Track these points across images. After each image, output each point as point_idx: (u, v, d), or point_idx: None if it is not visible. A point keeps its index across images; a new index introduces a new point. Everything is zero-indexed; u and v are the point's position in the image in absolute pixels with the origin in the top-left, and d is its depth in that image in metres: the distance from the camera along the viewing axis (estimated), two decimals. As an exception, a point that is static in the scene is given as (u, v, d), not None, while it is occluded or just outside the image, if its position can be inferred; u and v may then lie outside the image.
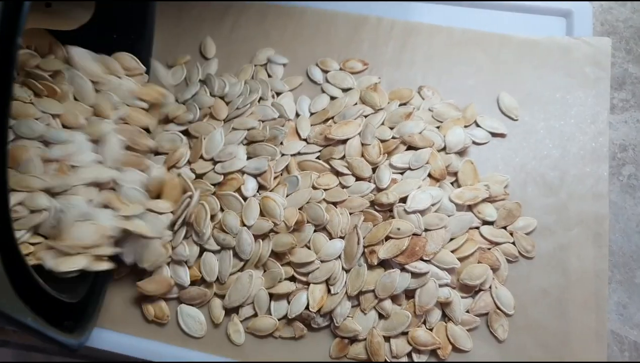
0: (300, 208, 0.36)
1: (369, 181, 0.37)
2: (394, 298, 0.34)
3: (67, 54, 0.36)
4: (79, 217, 0.32)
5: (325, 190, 0.36)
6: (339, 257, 0.35)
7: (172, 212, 0.36)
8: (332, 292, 0.34)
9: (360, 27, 0.44)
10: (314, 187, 0.37)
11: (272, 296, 0.35)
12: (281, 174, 0.38)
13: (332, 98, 0.41)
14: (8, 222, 0.26)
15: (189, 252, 0.35)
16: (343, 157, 0.38)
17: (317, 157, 0.38)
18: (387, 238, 0.34)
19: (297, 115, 0.41)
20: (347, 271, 0.35)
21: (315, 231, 0.36)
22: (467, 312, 0.34)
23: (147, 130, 0.39)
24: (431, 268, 0.34)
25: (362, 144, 0.38)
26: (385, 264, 0.35)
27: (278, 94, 0.42)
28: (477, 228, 0.36)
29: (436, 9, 0.44)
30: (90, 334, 0.34)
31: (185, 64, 0.43)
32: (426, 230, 0.35)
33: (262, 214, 0.36)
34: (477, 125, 0.39)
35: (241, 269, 0.36)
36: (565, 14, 0.43)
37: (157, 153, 0.39)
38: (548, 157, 0.38)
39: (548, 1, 0.43)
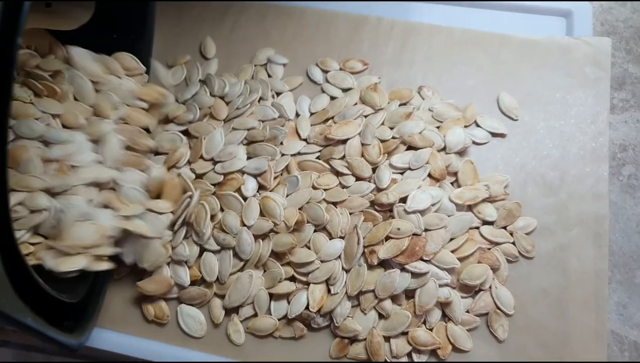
0: (300, 208, 0.36)
1: (369, 181, 0.37)
2: (394, 298, 0.34)
3: (67, 54, 0.36)
4: (79, 217, 0.32)
5: (325, 190, 0.36)
6: (339, 257, 0.35)
7: (172, 212, 0.36)
8: (332, 292, 0.34)
9: (360, 27, 0.44)
10: (314, 187, 0.37)
11: (272, 296, 0.35)
12: (281, 174, 0.38)
13: (332, 98, 0.41)
14: (8, 222, 0.26)
15: (189, 252, 0.35)
16: (343, 157, 0.38)
17: (317, 157, 0.38)
18: (387, 238, 0.34)
19: (297, 115, 0.41)
20: (347, 271, 0.35)
21: (315, 231, 0.36)
22: (467, 312, 0.34)
23: (147, 130, 0.39)
24: (431, 268, 0.34)
25: (362, 144, 0.38)
26: (385, 264, 0.35)
27: (278, 94, 0.42)
28: (477, 228, 0.36)
29: (436, 9, 0.44)
30: (90, 334, 0.34)
31: (185, 64, 0.43)
32: (426, 230, 0.35)
33: (262, 214, 0.36)
34: (477, 125, 0.39)
35: (241, 269, 0.36)
36: (565, 14, 0.43)
37: (157, 153, 0.39)
38: (548, 157, 0.38)
39: (548, 1, 0.43)
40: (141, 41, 0.40)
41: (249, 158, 0.38)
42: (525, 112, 0.40)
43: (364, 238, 0.35)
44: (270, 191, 0.37)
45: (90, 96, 0.36)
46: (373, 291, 0.34)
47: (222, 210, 0.36)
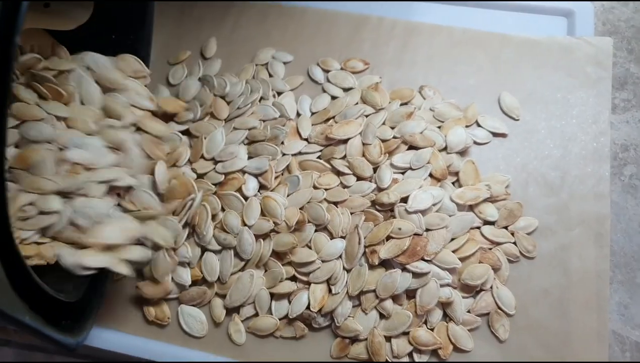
0: (301, 208, 0.36)
1: (370, 181, 0.37)
2: (395, 298, 0.34)
3: (85, 62, 0.36)
4: (101, 218, 0.32)
5: (326, 189, 0.36)
6: (340, 256, 0.35)
7: (174, 213, 0.36)
8: (333, 291, 0.34)
9: (362, 27, 0.44)
10: (315, 187, 0.37)
11: (273, 296, 0.35)
12: (282, 174, 0.38)
13: (333, 98, 0.41)
14: (7, 222, 0.26)
15: (191, 253, 0.35)
16: (344, 157, 0.38)
17: (318, 157, 0.38)
18: (388, 238, 0.34)
19: (298, 114, 0.41)
20: (348, 271, 0.35)
21: (316, 231, 0.36)
22: (468, 312, 0.34)
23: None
24: (432, 268, 0.34)
25: (363, 144, 0.38)
26: (386, 264, 0.35)
27: (279, 93, 0.42)
28: (478, 228, 0.36)
29: (437, 8, 0.44)
30: (89, 334, 0.33)
31: (185, 60, 0.43)
32: (427, 230, 0.35)
33: (263, 214, 0.36)
34: (478, 125, 0.39)
35: (242, 269, 0.36)
36: (567, 14, 0.43)
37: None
38: (549, 157, 0.38)
39: (549, 1, 0.43)
40: (140, 41, 0.40)
41: (249, 158, 0.38)
42: (526, 112, 0.40)
43: (365, 238, 0.35)
44: (271, 191, 0.37)
45: (99, 99, 0.36)
46: (374, 291, 0.34)
47: (223, 210, 0.36)
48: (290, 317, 0.34)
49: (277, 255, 0.35)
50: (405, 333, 0.34)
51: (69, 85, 0.35)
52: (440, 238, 0.35)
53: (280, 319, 0.35)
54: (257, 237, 0.35)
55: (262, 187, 0.37)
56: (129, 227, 0.33)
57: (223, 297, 0.36)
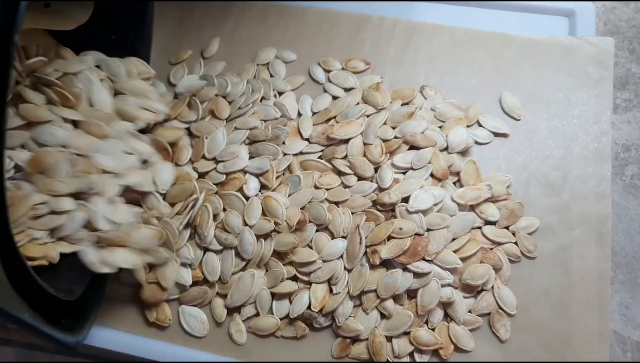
0: (302, 208, 0.36)
1: (371, 181, 0.37)
2: (396, 298, 0.34)
3: (92, 63, 0.37)
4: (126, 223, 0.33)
5: (327, 189, 0.36)
6: (341, 256, 0.35)
7: (177, 214, 0.36)
8: (334, 291, 0.34)
9: (363, 27, 0.44)
10: (316, 187, 0.37)
11: (274, 295, 0.35)
12: (283, 174, 0.38)
13: (334, 97, 0.41)
14: (7, 222, 0.26)
15: (193, 255, 0.35)
16: (345, 157, 0.38)
17: (319, 157, 0.38)
18: (389, 238, 0.34)
19: (299, 114, 0.41)
20: (349, 271, 0.35)
21: (317, 231, 0.36)
22: (470, 312, 0.34)
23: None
24: (433, 268, 0.34)
25: (364, 144, 0.38)
26: (387, 264, 0.35)
27: (280, 93, 0.42)
28: (480, 228, 0.36)
29: (439, 8, 0.44)
30: (89, 333, 0.33)
31: (186, 60, 0.44)
32: (428, 230, 0.35)
33: (264, 214, 0.36)
34: (480, 125, 0.39)
35: (243, 269, 0.36)
36: (568, 14, 0.43)
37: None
38: (550, 157, 0.38)
39: (551, 1, 0.43)
40: (140, 41, 0.40)
41: (251, 157, 0.38)
42: (527, 111, 0.40)
43: (366, 238, 0.34)
44: (273, 191, 0.37)
45: (109, 102, 0.36)
46: (375, 291, 0.34)
47: (224, 209, 0.36)
48: (291, 316, 0.34)
49: (278, 255, 0.35)
50: (406, 333, 0.34)
51: (75, 88, 0.35)
52: (442, 238, 0.34)
53: (281, 319, 0.35)
54: (258, 236, 0.35)
55: (263, 187, 0.37)
56: (161, 231, 0.34)
57: (224, 297, 0.36)
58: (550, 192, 0.37)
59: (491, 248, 0.35)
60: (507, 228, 0.36)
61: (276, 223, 0.35)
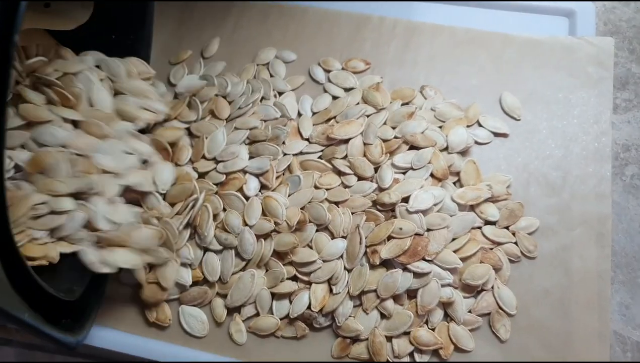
0: (302, 208, 0.36)
1: (371, 181, 0.37)
2: (396, 298, 0.34)
3: (92, 63, 0.37)
4: (126, 223, 0.33)
5: (327, 189, 0.36)
6: (341, 256, 0.35)
7: (177, 214, 0.36)
8: (334, 291, 0.34)
9: (363, 27, 0.44)
10: (316, 187, 0.37)
11: (274, 295, 0.35)
12: (283, 174, 0.38)
13: (334, 97, 0.41)
14: (7, 222, 0.26)
15: (194, 255, 0.35)
16: (345, 157, 0.38)
17: (319, 157, 0.38)
18: (389, 238, 0.34)
19: (299, 114, 0.41)
20: (349, 271, 0.35)
21: (317, 231, 0.36)
22: (470, 312, 0.34)
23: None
24: (433, 268, 0.34)
25: (364, 144, 0.38)
26: (387, 264, 0.35)
27: (280, 93, 0.42)
28: (480, 228, 0.36)
29: (439, 8, 0.44)
30: (89, 333, 0.34)
31: (186, 60, 0.44)
32: (428, 230, 0.35)
33: (264, 214, 0.36)
34: (480, 125, 0.39)
35: (243, 269, 0.36)
36: (568, 14, 0.43)
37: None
38: (551, 157, 0.38)
39: (551, 1, 0.43)
40: (140, 41, 0.40)
41: (251, 157, 0.38)
42: (527, 112, 0.40)
43: (366, 238, 0.34)
44: (273, 191, 0.37)
45: (109, 102, 0.36)
46: (375, 291, 0.34)
47: (224, 209, 0.36)
48: (291, 316, 0.34)
49: (278, 255, 0.35)
50: (406, 333, 0.34)
51: (75, 88, 0.35)
52: (442, 238, 0.34)
53: (281, 319, 0.35)
54: (258, 236, 0.35)
55: (263, 187, 0.37)
56: (161, 230, 0.34)
57: (224, 297, 0.36)
58: (550, 192, 0.37)
59: (491, 248, 0.35)
60: (507, 228, 0.36)
61: (276, 223, 0.35)
